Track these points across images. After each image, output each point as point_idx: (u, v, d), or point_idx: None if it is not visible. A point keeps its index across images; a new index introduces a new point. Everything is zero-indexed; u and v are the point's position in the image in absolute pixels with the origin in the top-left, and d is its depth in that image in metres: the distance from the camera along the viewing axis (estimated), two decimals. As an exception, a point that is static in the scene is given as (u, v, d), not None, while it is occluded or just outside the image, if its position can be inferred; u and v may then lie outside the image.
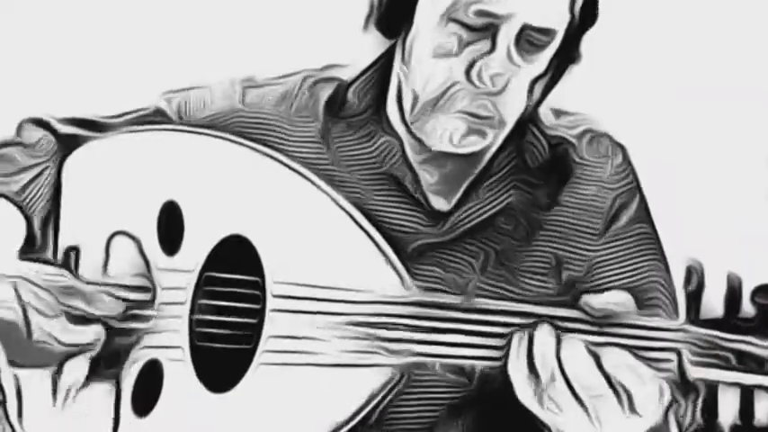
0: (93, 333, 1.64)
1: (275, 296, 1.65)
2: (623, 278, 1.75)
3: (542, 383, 1.56)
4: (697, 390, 1.63)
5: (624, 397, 1.55)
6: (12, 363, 1.64)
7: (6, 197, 1.74)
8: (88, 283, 1.66)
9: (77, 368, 1.64)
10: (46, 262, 1.69)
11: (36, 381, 1.64)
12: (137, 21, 1.93)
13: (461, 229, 1.75)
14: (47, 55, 1.93)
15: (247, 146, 1.72)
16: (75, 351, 1.64)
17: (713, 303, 1.50)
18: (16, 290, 1.62)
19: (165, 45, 1.91)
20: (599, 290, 1.73)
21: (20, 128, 1.81)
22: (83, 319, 1.64)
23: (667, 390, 1.55)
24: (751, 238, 1.80)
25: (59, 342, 1.62)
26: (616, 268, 1.76)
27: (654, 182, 1.79)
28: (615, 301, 1.59)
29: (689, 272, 1.53)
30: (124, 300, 1.67)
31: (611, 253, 1.76)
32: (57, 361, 1.63)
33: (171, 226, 1.70)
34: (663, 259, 1.78)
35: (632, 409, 1.55)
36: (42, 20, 1.94)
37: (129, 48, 1.92)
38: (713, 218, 1.84)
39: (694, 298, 1.49)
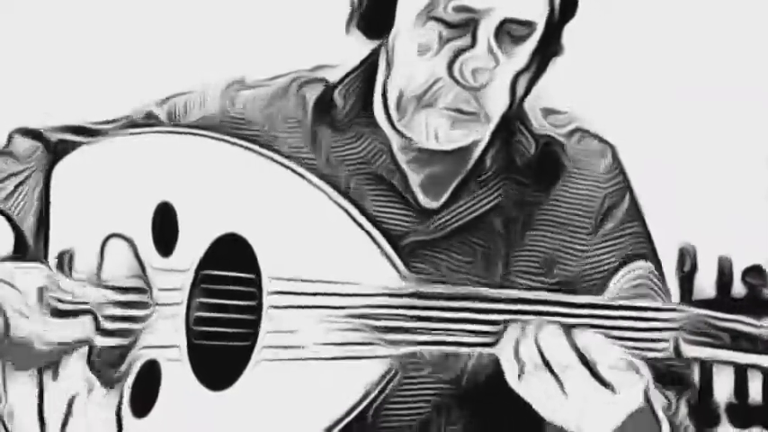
0: (81, 325, 1.64)
1: (271, 293, 1.66)
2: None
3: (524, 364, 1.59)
4: (688, 383, 1.65)
5: (596, 369, 1.58)
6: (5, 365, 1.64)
7: None
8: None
9: (73, 373, 1.64)
10: (20, 259, 1.68)
11: (28, 385, 1.65)
12: (126, 26, 1.93)
13: (451, 227, 1.76)
14: (37, 62, 1.93)
15: (240, 144, 1.73)
16: (66, 349, 1.64)
17: (705, 285, 1.52)
18: None
19: (153, 48, 1.91)
20: (592, 289, 1.75)
21: (9, 140, 1.81)
22: (68, 314, 1.64)
23: (644, 369, 1.58)
24: (741, 221, 1.82)
25: (44, 340, 1.63)
26: (608, 268, 1.77)
27: (644, 175, 1.80)
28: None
29: (681, 254, 1.54)
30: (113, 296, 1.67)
31: (604, 252, 1.78)
32: (44, 362, 1.64)
33: (165, 227, 1.71)
34: (655, 257, 1.79)
35: (601, 380, 1.57)
36: (33, 28, 1.94)
37: (119, 53, 1.92)
38: (704, 204, 1.86)
39: (687, 279, 1.50)
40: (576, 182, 1.80)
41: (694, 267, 1.52)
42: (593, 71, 1.88)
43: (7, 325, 1.61)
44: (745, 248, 1.60)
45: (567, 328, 1.58)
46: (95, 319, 1.65)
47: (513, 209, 1.77)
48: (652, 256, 1.79)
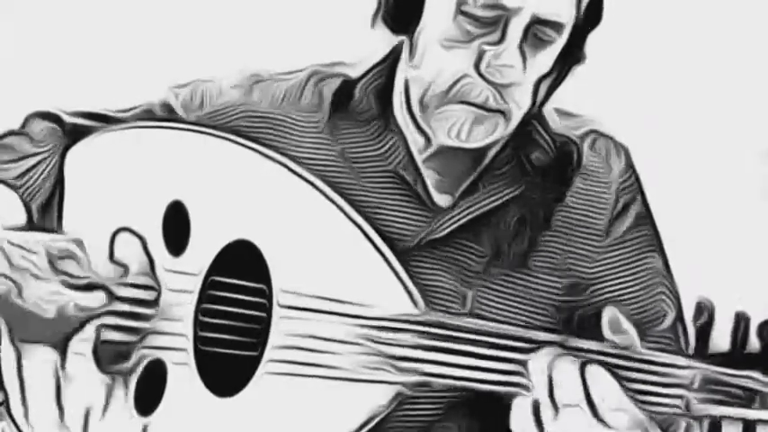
0: (96, 299, 1.63)
1: (282, 306, 1.65)
2: (630, 280, 1.77)
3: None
4: None
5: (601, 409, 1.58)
6: (17, 339, 1.63)
7: (4, 182, 1.73)
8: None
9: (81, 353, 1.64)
10: (36, 230, 1.67)
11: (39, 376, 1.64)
12: (145, 15, 1.91)
13: (463, 224, 1.75)
14: (54, 48, 1.92)
15: (258, 151, 1.71)
16: (79, 320, 1.62)
17: (721, 335, 1.52)
18: (8, 258, 1.61)
19: (172, 39, 1.90)
20: (606, 292, 1.75)
21: (26, 121, 1.79)
22: (81, 288, 1.63)
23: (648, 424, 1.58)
24: (760, 272, 1.81)
25: (57, 305, 1.61)
26: (622, 270, 1.77)
27: (658, 189, 1.80)
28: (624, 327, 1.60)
29: (699, 308, 1.54)
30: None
31: (616, 254, 1.77)
32: (53, 334, 1.62)
33: (177, 226, 1.69)
34: (665, 260, 1.79)
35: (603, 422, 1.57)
36: (49, 13, 1.92)
37: (136, 42, 1.91)
38: (722, 251, 1.85)
39: (702, 333, 1.50)
40: (590, 183, 1.79)
41: (711, 321, 1.51)
42: (608, 74, 1.86)
43: (20, 288, 1.60)
44: (764, 300, 1.59)
45: (582, 364, 1.57)
46: (109, 294, 1.63)
47: (528, 208, 1.76)
48: (663, 258, 1.79)
